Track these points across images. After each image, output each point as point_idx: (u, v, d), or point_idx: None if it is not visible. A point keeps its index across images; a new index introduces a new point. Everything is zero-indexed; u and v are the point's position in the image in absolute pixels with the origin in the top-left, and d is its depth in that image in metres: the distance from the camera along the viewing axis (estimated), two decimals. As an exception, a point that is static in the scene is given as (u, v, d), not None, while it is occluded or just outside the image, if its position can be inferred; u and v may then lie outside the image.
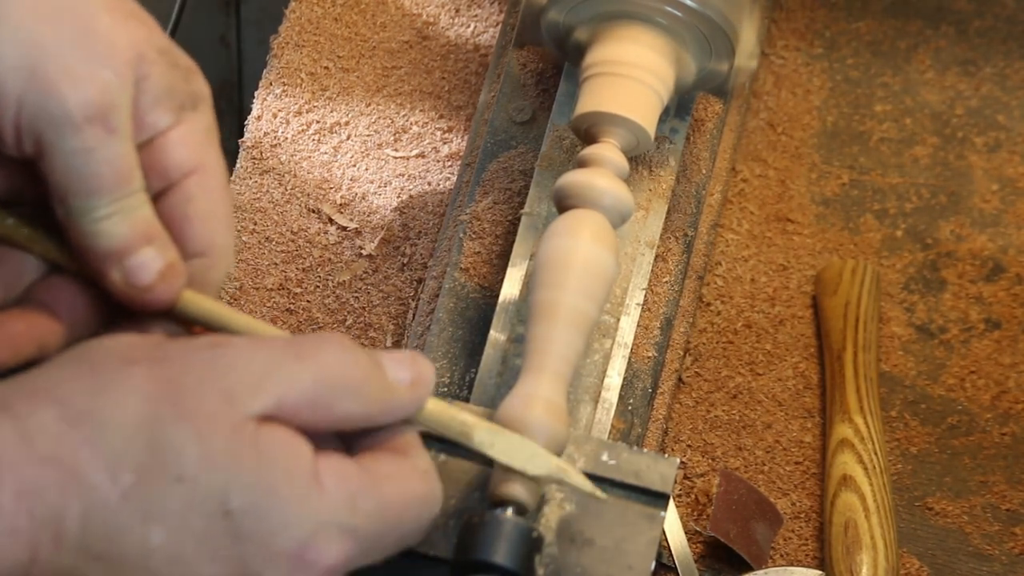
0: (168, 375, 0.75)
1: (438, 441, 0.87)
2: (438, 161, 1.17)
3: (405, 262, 1.13)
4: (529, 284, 0.98)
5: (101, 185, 0.77)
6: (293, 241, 1.14)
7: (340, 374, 0.77)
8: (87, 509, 0.72)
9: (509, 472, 0.85)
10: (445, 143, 1.17)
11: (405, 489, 0.78)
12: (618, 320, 1.01)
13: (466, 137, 1.17)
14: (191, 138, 0.81)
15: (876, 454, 1.06)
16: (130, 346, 0.77)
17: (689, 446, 1.08)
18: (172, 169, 0.81)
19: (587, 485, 0.85)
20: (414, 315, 1.09)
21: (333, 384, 0.77)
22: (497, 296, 1.01)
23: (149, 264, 0.79)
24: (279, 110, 1.18)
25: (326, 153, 1.17)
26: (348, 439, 0.81)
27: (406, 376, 0.80)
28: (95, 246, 0.79)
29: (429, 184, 1.16)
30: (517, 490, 0.85)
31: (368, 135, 1.18)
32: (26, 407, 0.73)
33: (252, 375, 0.75)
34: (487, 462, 0.89)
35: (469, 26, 1.22)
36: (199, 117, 0.82)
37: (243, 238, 1.14)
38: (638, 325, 1.03)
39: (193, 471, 0.73)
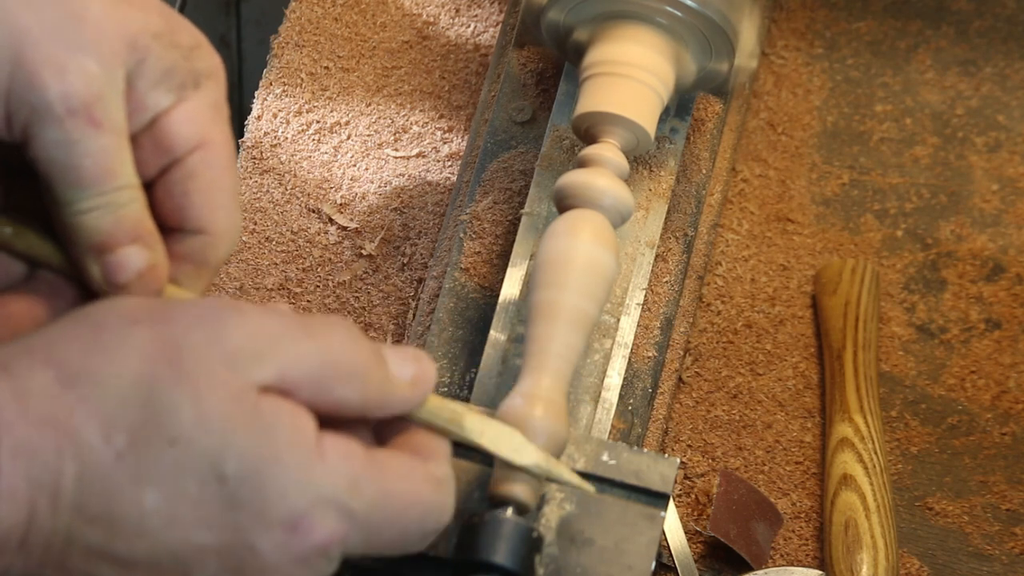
0: (170, 335, 0.73)
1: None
2: (438, 161, 1.17)
3: (405, 262, 1.13)
4: (529, 284, 0.98)
5: (82, 178, 0.76)
6: (293, 241, 1.14)
7: (345, 359, 0.76)
8: (82, 470, 0.71)
9: (509, 471, 0.85)
10: (445, 143, 1.17)
11: (410, 488, 0.77)
12: (618, 320, 1.01)
13: (466, 137, 1.17)
14: (194, 115, 0.80)
15: (876, 453, 1.06)
16: (135, 306, 0.75)
17: (689, 446, 1.08)
18: (175, 146, 0.79)
19: (575, 479, 0.85)
20: (414, 315, 1.09)
21: (337, 367, 0.75)
22: (497, 296, 1.01)
23: (128, 263, 0.77)
24: (279, 110, 1.18)
25: (326, 153, 1.17)
26: (375, 432, 0.80)
27: (408, 372, 0.79)
28: (76, 238, 0.77)
29: (429, 184, 1.16)
30: (517, 490, 0.85)
31: (368, 135, 1.18)
32: (24, 367, 0.72)
33: (258, 343, 0.74)
34: (487, 461, 0.89)
35: (469, 26, 1.22)
36: (203, 94, 0.80)
37: (243, 238, 1.14)
38: (638, 325, 1.03)
39: (187, 434, 0.72)
